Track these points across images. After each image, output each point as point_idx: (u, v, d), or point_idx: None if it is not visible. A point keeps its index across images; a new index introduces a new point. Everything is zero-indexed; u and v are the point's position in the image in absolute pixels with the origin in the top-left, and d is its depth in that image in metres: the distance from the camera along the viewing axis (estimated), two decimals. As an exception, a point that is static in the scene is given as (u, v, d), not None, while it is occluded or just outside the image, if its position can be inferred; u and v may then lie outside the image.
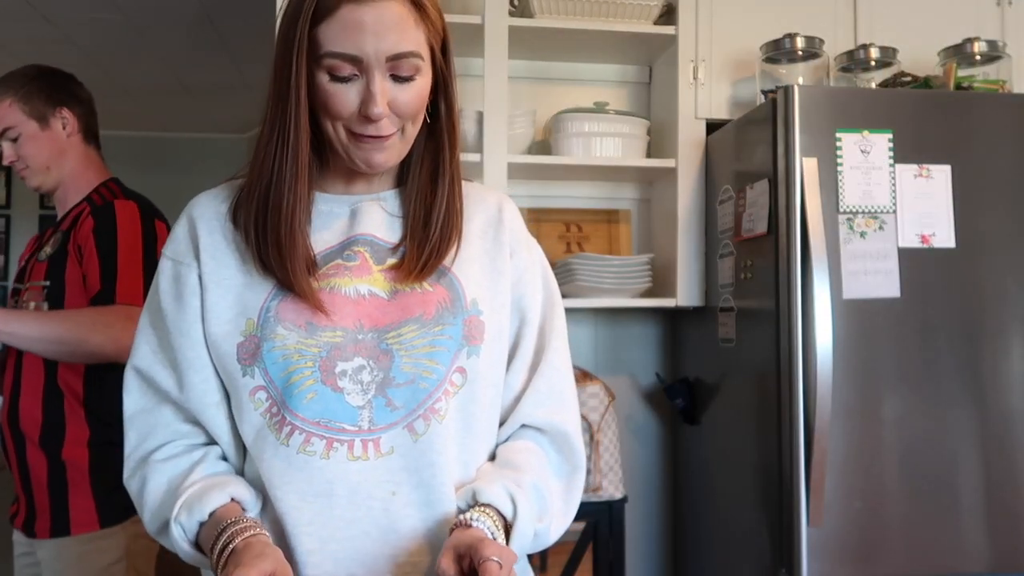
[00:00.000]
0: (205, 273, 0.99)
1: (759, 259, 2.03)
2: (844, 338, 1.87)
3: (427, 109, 1.01)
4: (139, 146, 5.17)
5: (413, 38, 0.94)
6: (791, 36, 2.24)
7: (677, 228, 2.35)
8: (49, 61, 2.00)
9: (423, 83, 0.97)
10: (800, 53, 2.27)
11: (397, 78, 0.95)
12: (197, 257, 1.00)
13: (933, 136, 1.96)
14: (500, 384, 1.03)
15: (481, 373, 0.99)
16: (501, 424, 1.05)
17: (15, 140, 1.81)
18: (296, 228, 0.97)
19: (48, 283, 1.77)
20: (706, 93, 2.35)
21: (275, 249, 0.96)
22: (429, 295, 0.99)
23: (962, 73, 2.23)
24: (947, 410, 1.91)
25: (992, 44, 2.27)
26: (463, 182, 1.07)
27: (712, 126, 2.36)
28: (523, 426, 1.05)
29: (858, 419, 1.88)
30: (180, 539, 0.93)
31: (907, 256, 1.91)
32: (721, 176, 2.28)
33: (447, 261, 1.01)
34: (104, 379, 1.76)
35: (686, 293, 2.34)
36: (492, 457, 1.03)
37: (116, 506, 1.76)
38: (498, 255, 1.05)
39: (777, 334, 1.92)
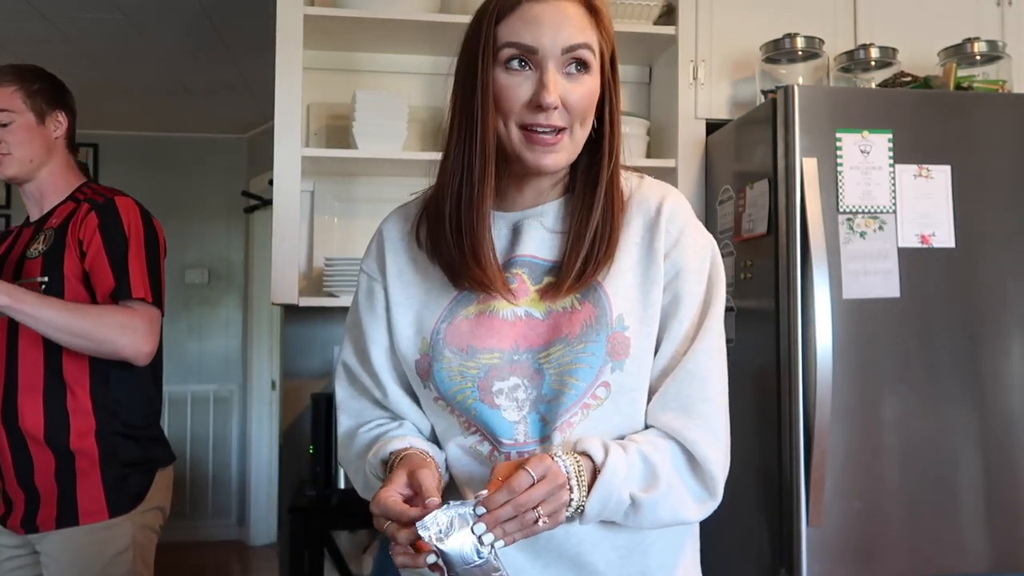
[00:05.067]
0: (391, 294, 1.10)
1: (759, 259, 2.03)
2: (844, 338, 1.87)
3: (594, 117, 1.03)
4: (139, 146, 5.16)
5: (588, 35, 1.00)
6: (791, 36, 2.24)
7: (677, 228, 2.34)
8: (49, 61, 2.01)
9: (593, 83, 1.01)
10: (800, 53, 2.28)
11: (570, 73, 0.99)
12: (384, 275, 1.11)
13: (933, 136, 1.96)
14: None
15: (627, 385, 1.02)
16: None
17: (5, 125, 1.83)
18: (487, 241, 1.02)
19: (46, 279, 1.77)
20: (706, 93, 2.36)
21: (473, 261, 1.02)
22: (576, 314, 1.02)
23: (962, 73, 2.23)
24: (947, 410, 1.91)
25: (992, 44, 2.27)
26: (633, 176, 1.10)
27: (712, 126, 2.36)
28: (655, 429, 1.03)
29: (858, 419, 1.88)
30: (371, 476, 1.05)
31: (907, 256, 1.91)
32: (721, 176, 2.27)
33: (599, 276, 1.03)
34: (109, 372, 1.78)
35: (686, 293, 2.34)
36: None
37: (125, 495, 1.77)
38: (652, 264, 1.04)
39: (777, 334, 1.92)
